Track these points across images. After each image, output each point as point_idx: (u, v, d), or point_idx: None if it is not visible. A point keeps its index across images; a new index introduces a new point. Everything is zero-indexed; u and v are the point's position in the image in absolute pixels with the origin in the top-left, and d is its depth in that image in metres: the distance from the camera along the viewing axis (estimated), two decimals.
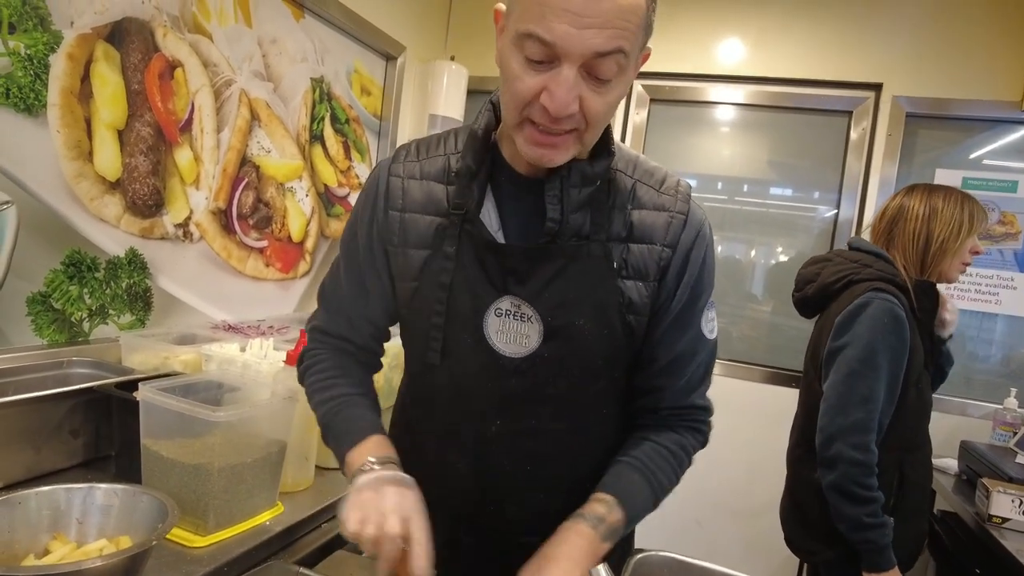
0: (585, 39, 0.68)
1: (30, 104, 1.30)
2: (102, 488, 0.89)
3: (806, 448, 1.51)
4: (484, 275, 0.84)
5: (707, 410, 0.94)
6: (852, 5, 2.44)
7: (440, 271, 0.86)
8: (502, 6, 0.78)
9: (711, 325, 0.91)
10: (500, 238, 0.85)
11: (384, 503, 0.75)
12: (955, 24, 2.33)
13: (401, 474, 0.81)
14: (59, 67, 1.34)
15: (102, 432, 1.23)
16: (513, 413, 0.88)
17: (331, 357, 0.97)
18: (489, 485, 0.92)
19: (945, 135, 2.42)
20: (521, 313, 0.84)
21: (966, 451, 2.00)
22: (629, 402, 0.95)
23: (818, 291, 1.55)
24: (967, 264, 1.53)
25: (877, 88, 2.44)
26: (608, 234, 0.84)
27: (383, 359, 1.67)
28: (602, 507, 0.82)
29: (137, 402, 1.07)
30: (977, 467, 1.90)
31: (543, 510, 0.87)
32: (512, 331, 0.84)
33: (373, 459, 0.81)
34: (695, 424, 0.93)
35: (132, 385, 1.12)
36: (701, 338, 0.89)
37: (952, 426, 2.28)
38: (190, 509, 1.02)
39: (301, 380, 0.99)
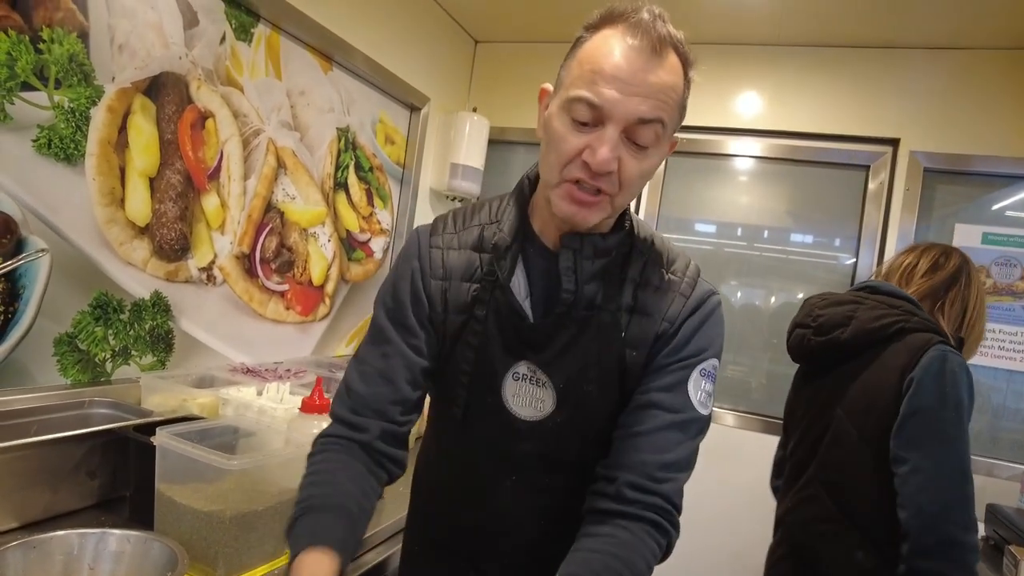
0: (630, 105, 0.75)
1: (69, 154, 1.36)
2: (115, 534, 0.90)
3: (840, 524, 1.30)
4: (505, 341, 0.89)
5: (677, 508, 0.84)
6: (868, 61, 2.48)
7: (471, 334, 0.91)
8: (549, 86, 0.87)
9: (702, 396, 0.87)
10: (528, 306, 0.89)
11: None
12: (972, 80, 2.35)
13: None
14: (99, 119, 1.40)
15: (118, 473, 1.25)
16: (527, 473, 0.92)
17: (336, 453, 0.89)
18: (502, 532, 0.95)
19: (964, 190, 2.42)
20: (537, 378, 0.88)
21: (993, 515, 1.94)
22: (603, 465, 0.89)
23: (856, 336, 1.33)
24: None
25: (894, 143, 2.45)
26: (618, 304, 0.88)
27: None
28: None
29: (154, 445, 1.09)
30: (1005, 533, 1.83)
31: (554, 559, 0.83)
32: (528, 395, 0.89)
33: None
34: (660, 518, 0.81)
35: (150, 428, 1.14)
36: (687, 404, 0.85)
37: (978, 488, 2.20)
38: (200, 556, 1.03)
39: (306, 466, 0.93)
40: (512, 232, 0.90)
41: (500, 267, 0.89)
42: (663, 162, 0.89)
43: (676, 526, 0.84)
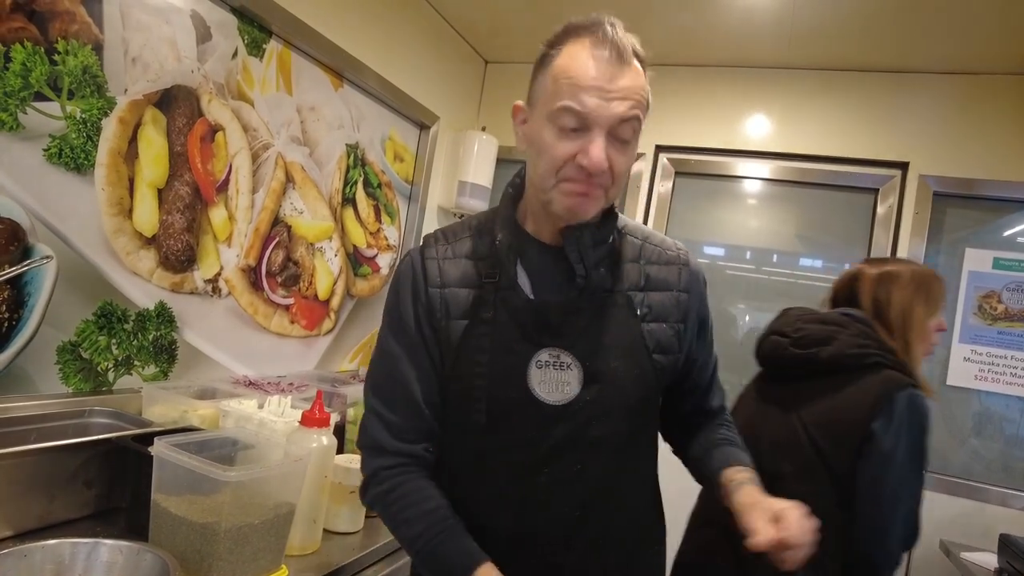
0: (611, 108, 0.84)
1: (80, 164, 1.37)
2: (107, 544, 0.89)
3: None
4: (521, 333, 0.93)
5: (725, 408, 1.15)
6: (877, 84, 2.48)
7: (479, 336, 0.93)
8: (521, 103, 0.95)
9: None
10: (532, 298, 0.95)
11: None
12: (983, 105, 2.35)
13: None
14: (110, 130, 1.42)
15: (115, 484, 1.24)
16: (560, 461, 0.93)
17: (410, 479, 0.94)
18: (539, 536, 0.95)
19: (974, 214, 2.40)
20: (561, 362, 0.92)
21: (1006, 545, 1.89)
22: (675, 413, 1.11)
23: (835, 357, 1.39)
24: (934, 344, 1.47)
25: (903, 167, 2.44)
26: (628, 285, 0.96)
27: None
28: (747, 473, 0.97)
29: (151, 456, 1.08)
30: (1019, 564, 1.79)
31: (592, 554, 0.95)
32: (553, 380, 0.92)
33: None
34: (727, 419, 1.13)
35: (149, 438, 1.14)
36: (712, 351, 1.10)
37: (990, 517, 2.17)
38: (193, 568, 1.01)
39: (375, 503, 0.97)
40: (510, 235, 0.96)
41: (504, 265, 0.94)
42: (671, 183, 0.95)
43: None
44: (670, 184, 2.72)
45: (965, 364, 2.33)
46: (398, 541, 0.95)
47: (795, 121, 2.59)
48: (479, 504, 0.95)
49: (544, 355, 0.92)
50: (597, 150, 0.84)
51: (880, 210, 2.49)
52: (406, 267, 1.00)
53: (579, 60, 0.85)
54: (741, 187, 2.73)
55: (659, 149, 2.72)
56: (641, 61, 0.89)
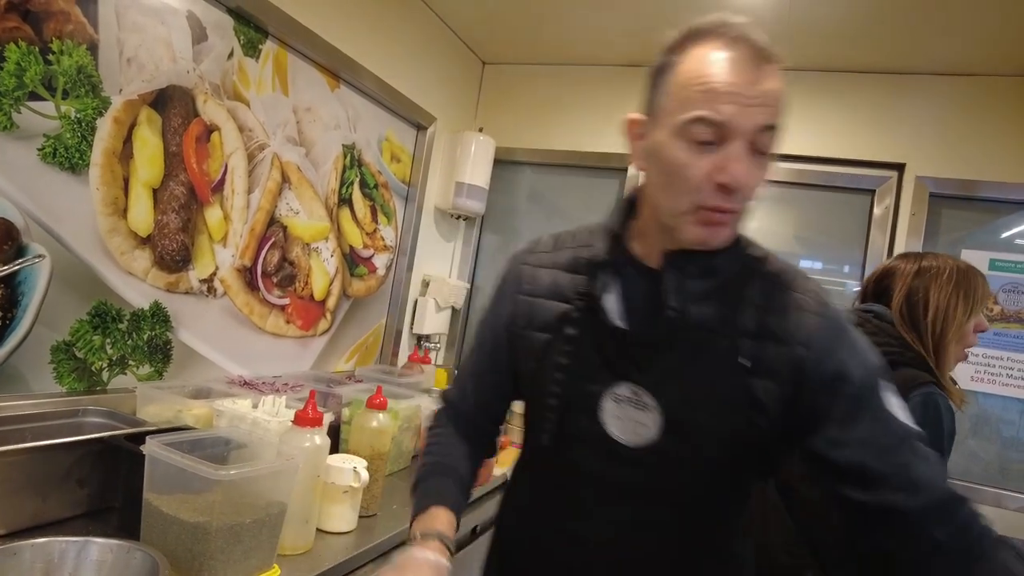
0: (752, 115, 0.74)
1: (74, 163, 1.37)
2: (97, 543, 0.89)
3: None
4: (603, 360, 0.86)
5: (976, 517, 0.75)
6: (874, 86, 2.48)
7: (559, 354, 0.88)
8: (636, 115, 0.85)
9: (904, 411, 0.80)
10: (623, 326, 0.86)
11: None
12: (980, 106, 2.35)
13: (428, 554, 0.82)
14: (105, 130, 1.42)
15: (108, 483, 1.24)
16: (623, 504, 0.87)
17: (448, 426, 1.06)
18: (587, 566, 0.90)
19: (971, 215, 2.40)
20: (640, 401, 0.83)
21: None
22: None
23: None
24: (971, 345, 1.38)
25: (900, 168, 2.44)
26: (737, 329, 0.82)
27: (396, 422, 1.69)
28: None
29: (144, 454, 1.08)
30: (1015, 567, 1.78)
31: None
32: (628, 418, 0.84)
33: (419, 533, 0.86)
34: (980, 547, 0.74)
35: (142, 437, 1.14)
36: (899, 424, 0.77)
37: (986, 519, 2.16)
38: (185, 568, 1.01)
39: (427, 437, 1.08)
40: (607, 251, 0.89)
41: (594, 284, 0.87)
42: None
43: (994, 545, 0.75)
44: None
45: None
46: None
47: (792, 122, 2.57)
48: (536, 526, 0.95)
49: (624, 389, 0.84)
50: (740, 166, 0.74)
51: (877, 211, 2.49)
52: (507, 266, 1.01)
53: (712, 63, 0.75)
54: None
55: None
56: (775, 60, 0.78)
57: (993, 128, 2.33)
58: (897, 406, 0.79)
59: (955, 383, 1.38)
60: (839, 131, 2.52)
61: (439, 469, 0.99)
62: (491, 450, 1.11)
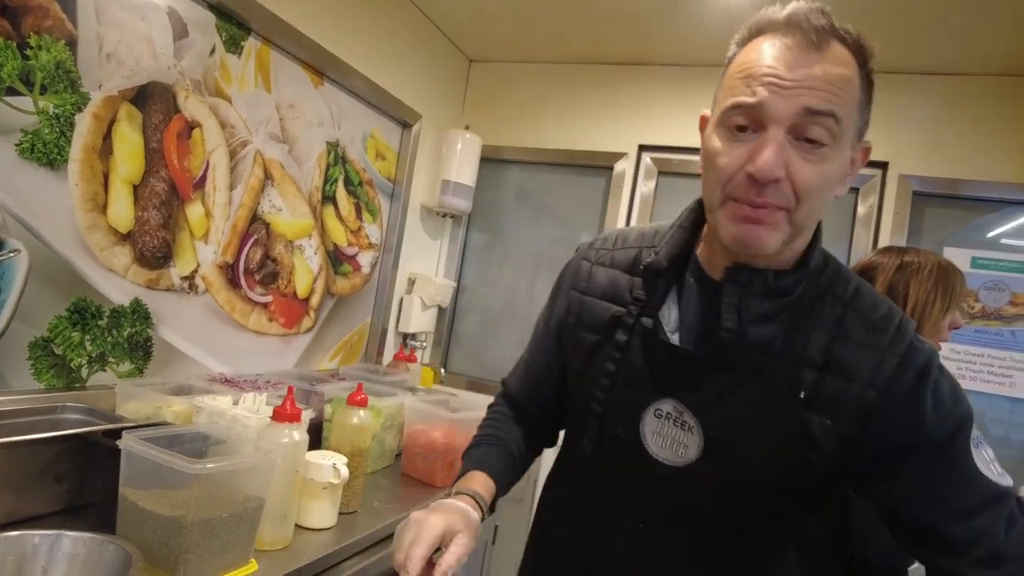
0: (792, 96, 0.67)
1: (52, 159, 1.37)
2: (69, 536, 0.89)
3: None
4: (650, 372, 0.82)
5: None
6: None
7: (607, 359, 0.85)
8: (707, 112, 0.81)
9: (994, 467, 0.73)
10: (675, 339, 0.82)
11: (424, 522, 0.78)
12: (962, 105, 2.37)
13: (459, 503, 0.84)
14: (84, 125, 1.42)
15: (86, 480, 1.23)
16: (658, 522, 0.83)
17: (503, 408, 1.08)
18: None
19: (953, 214, 2.42)
20: (683, 421, 0.79)
21: None
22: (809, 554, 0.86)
23: None
24: (944, 340, 1.40)
25: (883, 166, 2.47)
26: (801, 358, 0.75)
27: (378, 420, 1.68)
28: None
29: (120, 450, 1.08)
30: None
31: None
32: (669, 436, 0.80)
33: (454, 491, 0.88)
34: None
35: (120, 433, 1.13)
36: (983, 483, 0.71)
37: None
38: (160, 562, 1.01)
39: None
40: (670, 257, 0.83)
41: (651, 291, 0.83)
42: (654, 183, 0.84)
43: None
44: (653, 184, 2.74)
45: (943, 362, 2.35)
46: None
47: None
48: (572, 532, 0.93)
49: (667, 406, 0.80)
50: (766, 153, 0.67)
51: (861, 209, 2.51)
52: (570, 260, 1.00)
53: (758, 51, 0.71)
54: None
55: (642, 148, 2.73)
56: (855, 50, 0.71)
57: (975, 127, 2.36)
58: (985, 461, 0.73)
59: None
60: None
61: (487, 440, 1.01)
62: (549, 440, 1.10)
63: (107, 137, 1.47)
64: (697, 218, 0.86)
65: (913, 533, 0.74)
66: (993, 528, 0.69)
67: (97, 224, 1.48)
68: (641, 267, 0.85)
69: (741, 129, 0.70)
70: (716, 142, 0.73)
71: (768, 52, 0.70)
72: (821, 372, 0.74)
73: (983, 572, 0.68)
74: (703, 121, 0.81)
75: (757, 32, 0.74)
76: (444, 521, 0.79)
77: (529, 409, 1.06)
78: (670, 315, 0.83)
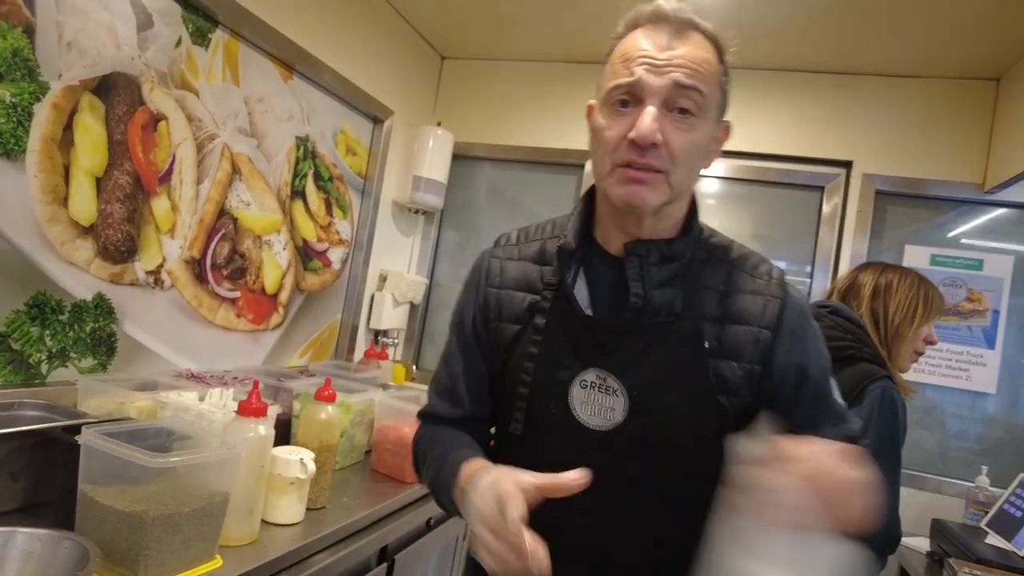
0: (664, 73, 0.78)
1: (10, 149, 1.34)
2: (24, 533, 0.87)
3: None
4: (571, 347, 0.87)
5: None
6: (825, 86, 2.55)
7: (530, 343, 0.90)
8: (592, 101, 0.89)
9: (840, 398, 0.90)
10: (589, 313, 0.88)
11: (491, 489, 0.74)
12: (924, 107, 2.44)
13: (498, 471, 0.78)
14: (42, 115, 1.38)
15: (44, 477, 1.21)
16: (598, 490, 0.83)
17: (434, 429, 1.01)
18: (563, 563, 0.86)
19: (913, 212, 2.48)
20: (607, 386, 0.85)
21: (938, 530, 1.96)
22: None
23: None
24: (919, 353, 1.48)
25: (848, 165, 2.52)
26: (700, 313, 0.85)
27: (348, 416, 1.66)
28: None
29: (79, 445, 1.06)
30: (948, 547, 1.86)
31: None
32: (596, 403, 0.85)
33: (472, 471, 0.81)
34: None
35: (80, 429, 1.11)
36: (840, 408, 0.88)
37: (925, 504, 2.25)
38: (120, 559, 1.00)
39: (416, 467, 1.02)
40: (576, 239, 0.90)
41: (564, 272, 0.89)
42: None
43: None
44: None
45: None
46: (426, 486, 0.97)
47: (744, 120, 2.63)
48: None
49: (591, 375, 0.86)
50: (645, 119, 0.77)
51: (826, 208, 2.56)
52: (475, 263, 1.01)
53: (634, 39, 0.82)
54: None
55: None
56: (712, 40, 0.83)
57: (935, 128, 2.42)
58: (837, 390, 0.89)
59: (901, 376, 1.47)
60: (789, 129, 2.59)
61: (457, 443, 0.95)
62: (487, 438, 1.06)
63: (68, 128, 1.44)
64: (591, 205, 0.94)
65: None
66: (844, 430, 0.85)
67: (58, 217, 1.45)
68: (554, 251, 0.91)
69: (623, 104, 0.81)
70: (601, 119, 0.83)
71: (642, 40, 0.81)
72: (720, 323, 0.85)
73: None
74: (590, 110, 0.89)
75: (633, 26, 0.84)
76: (505, 477, 0.75)
77: (468, 422, 1.01)
78: (583, 293, 0.89)
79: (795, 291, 0.89)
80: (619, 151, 0.80)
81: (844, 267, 2.47)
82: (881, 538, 1.24)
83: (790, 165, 2.61)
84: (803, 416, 0.84)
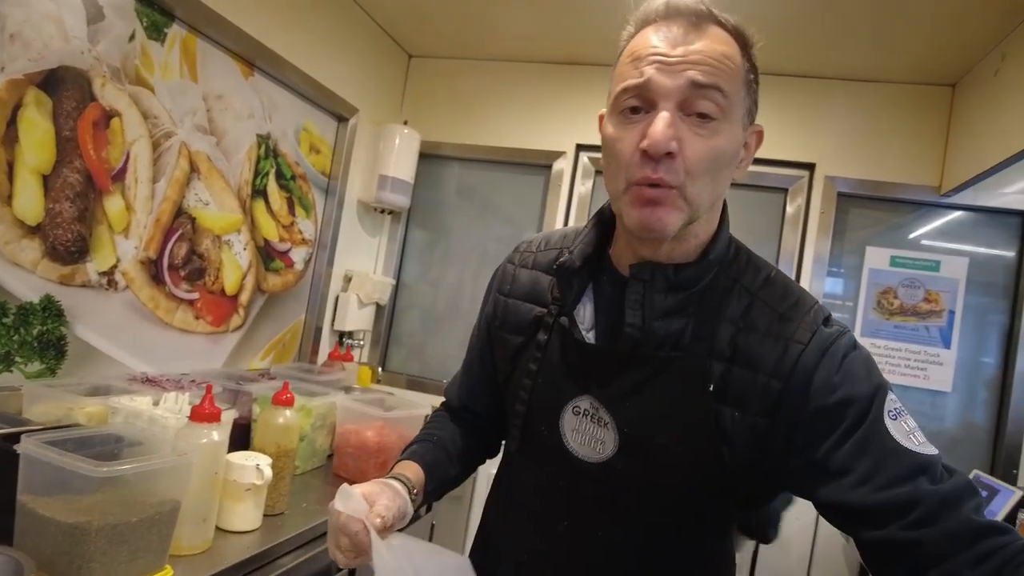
0: (678, 71, 0.68)
1: None
2: None
3: None
4: (568, 370, 0.82)
5: (1004, 546, 0.62)
6: (789, 89, 2.59)
7: (530, 359, 0.87)
8: (603, 111, 0.81)
9: (913, 437, 0.69)
10: (591, 336, 0.82)
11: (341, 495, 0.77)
12: (882, 112, 2.48)
13: (388, 479, 0.83)
14: None
15: None
16: (581, 519, 0.83)
17: (441, 412, 1.07)
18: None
19: (874, 214, 2.53)
20: (599, 417, 0.79)
21: None
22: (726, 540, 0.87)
23: None
24: None
25: (811, 167, 2.56)
26: (710, 350, 0.75)
27: (308, 420, 1.64)
28: None
29: (18, 454, 1.01)
30: None
31: None
32: (587, 433, 0.80)
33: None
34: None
35: (20, 437, 1.07)
36: (904, 453, 0.67)
37: None
38: (62, 572, 0.96)
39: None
40: (583, 257, 0.82)
41: (566, 290, 0.82)
42: (591, 183, 0.85)
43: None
44: (591, 183, 2.76)
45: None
46: None
47: None
48: (508, 528, 0.94)
49: (585, 402, 0.80)
50: (657, 125, 0.67)
51: (789, 209, 2.60)
52: (499, 266, 1.00)
53: (643, 38, 0.73)
54: None
55: (579, 148, 2.76)
56: (734, 33, 0.74)
57: (895, 132, 2.47)
58: (905, 432, 0.69)
59: None
60: None
61: (421, 438, 0.99)
62: (493, 443, 1.07)
63: (11, 124, 1.39)
64: (610, 217, 0.86)
65: (840, 513, 0.69)
66: (918, 494, 0.65)
67: (1, 216, 1.39)
68: (567, 263, 0.84)
69: (634, 111, 0.71)
70: (612, 129, 0.74)
71: (653, 36, 0.72)
72: (728, 364, 0.74)
73: (914, 532, 0.63)
74: (602, 120, 0.80)
75: (643, 24, 0.75)
76: (361, 487, 0.79)
77: (467, 414, 1.05)
78: (585, 313, 0.83)
79: (828, 329, 0.74)
80: (631, 166, 0.70)
81: (808, 267, 2.51)
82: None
83: (754, 167, 2.63)
84: (838, 467, 0.68)
